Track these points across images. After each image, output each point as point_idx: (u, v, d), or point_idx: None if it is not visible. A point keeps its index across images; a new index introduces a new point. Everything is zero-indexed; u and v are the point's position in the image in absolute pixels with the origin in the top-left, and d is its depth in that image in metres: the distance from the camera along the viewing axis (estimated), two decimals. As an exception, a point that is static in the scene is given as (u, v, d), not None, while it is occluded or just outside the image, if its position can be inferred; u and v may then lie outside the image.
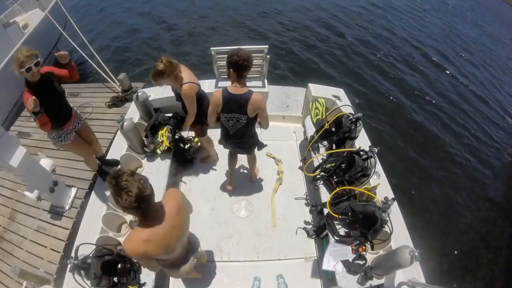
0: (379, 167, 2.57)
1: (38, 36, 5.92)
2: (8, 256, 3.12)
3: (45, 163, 3.36)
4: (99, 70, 4.99)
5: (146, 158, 2.95)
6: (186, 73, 2.39)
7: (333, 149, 2.76)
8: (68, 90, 5.05)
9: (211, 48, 3.25)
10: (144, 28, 8.85)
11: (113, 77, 4.90)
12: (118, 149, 2.89)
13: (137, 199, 1.12)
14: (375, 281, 2.00)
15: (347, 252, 2.06)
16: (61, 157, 3.93)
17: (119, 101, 4.74)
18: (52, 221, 3.30)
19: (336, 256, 2.04)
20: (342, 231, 2.25)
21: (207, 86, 3.49)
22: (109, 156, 3.02)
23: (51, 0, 6.37)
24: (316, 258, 2.69)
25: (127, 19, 9.36)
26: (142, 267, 2.04)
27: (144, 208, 1.21)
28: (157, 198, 1.35)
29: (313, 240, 2.80)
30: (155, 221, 1.32)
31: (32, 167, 2.77)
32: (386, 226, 1.96)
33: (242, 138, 2.42)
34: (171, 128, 2.90)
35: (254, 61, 3.36)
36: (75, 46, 5.47)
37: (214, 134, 2.86)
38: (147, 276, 2.03)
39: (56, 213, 3.33)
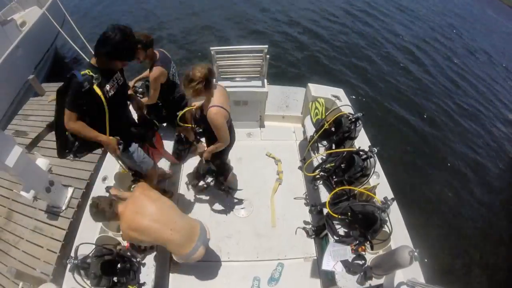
0: (378, 167, 2.56)
1: (36, 34, 5.88)
2: (5, 256, 3.08)
3: (41, 162, 3.31)
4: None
5: None
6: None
7: (333, 149, 2.76)
8: None
9: (211, 48, 3.23)
10: (140, 28, 8.74)
11: None
12: None
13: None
14: (375, 281, 2.00)
15: (347, 252, 2.06)
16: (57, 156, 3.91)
17: None
18: (49, 221, 3.27)
19: (335, 256, 2.05)
20: (341, 231, 2.25)
21: None
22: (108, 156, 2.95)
23: None
24: (315, 258, 2.69)
25: (124, 18, 9.25)
26: (141, 267, 2.04)
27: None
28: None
29: (313, 240, 2.80)
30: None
31: (28, 167, 2.76)
32: (385, 226, 1.96)
33: None
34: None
35: (254, 61, 3.43)
36: (72, 44, 5.43)
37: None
38: (147, 276, 2.02)
39: (52, 213, 3.30)
